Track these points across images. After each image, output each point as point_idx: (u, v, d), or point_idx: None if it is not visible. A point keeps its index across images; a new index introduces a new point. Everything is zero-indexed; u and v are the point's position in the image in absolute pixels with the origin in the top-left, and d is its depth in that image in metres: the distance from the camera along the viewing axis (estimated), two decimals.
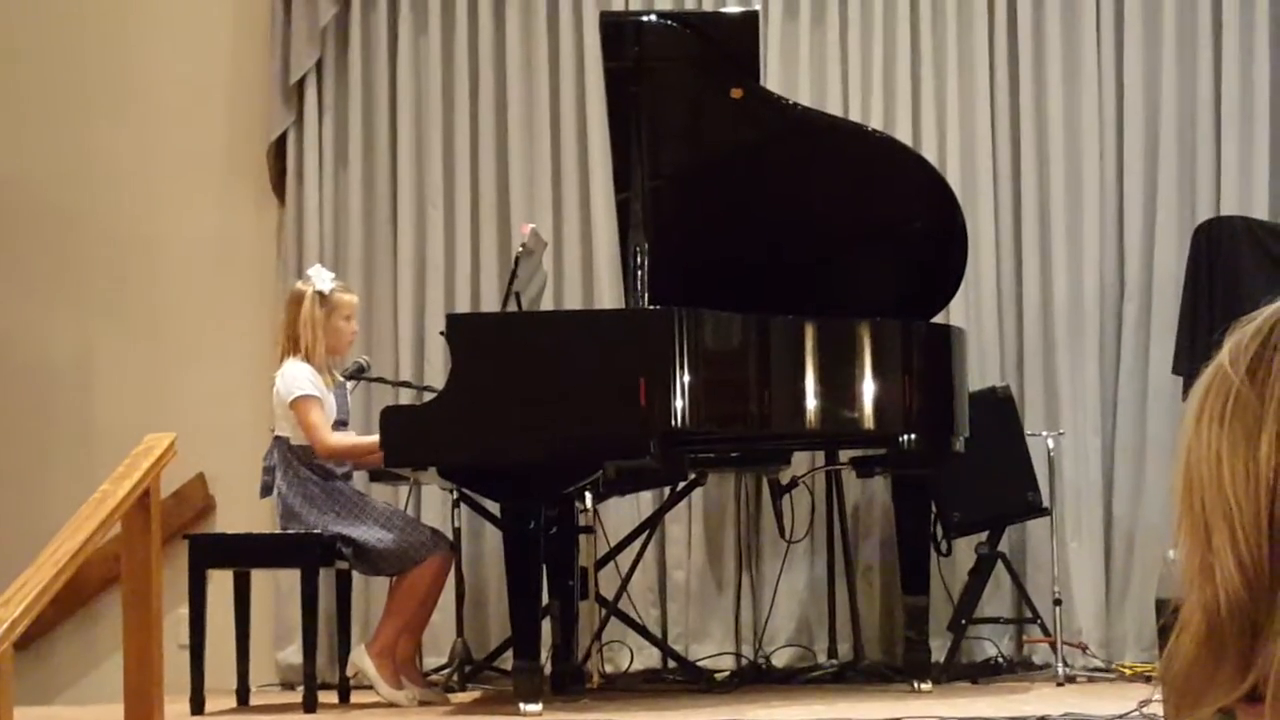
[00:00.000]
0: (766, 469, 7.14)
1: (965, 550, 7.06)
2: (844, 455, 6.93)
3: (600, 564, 6.82)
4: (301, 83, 7.72)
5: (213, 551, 6.37)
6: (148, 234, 7.83)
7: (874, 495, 7.36)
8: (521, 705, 5.64)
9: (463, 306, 7.54)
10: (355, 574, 6.56)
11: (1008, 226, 7.55)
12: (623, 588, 7.04)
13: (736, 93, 6.42)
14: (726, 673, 7.06)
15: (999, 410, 6.92)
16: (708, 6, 7.52)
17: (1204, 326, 6.75)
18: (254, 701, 6.52)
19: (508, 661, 6.34)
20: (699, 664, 7.15)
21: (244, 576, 6.48)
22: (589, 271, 7.62)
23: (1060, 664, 6.74)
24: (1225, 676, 1.15)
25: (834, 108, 7.45)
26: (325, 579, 6.47)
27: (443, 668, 6.91)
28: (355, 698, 6.42)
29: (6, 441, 7.77)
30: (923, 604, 6.52)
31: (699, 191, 6.58)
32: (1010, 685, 6.69)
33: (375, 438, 6.00)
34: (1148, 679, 6.70)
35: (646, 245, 6.26)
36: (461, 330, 5.94)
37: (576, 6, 7.65)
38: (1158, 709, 1.19)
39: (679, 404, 5.71)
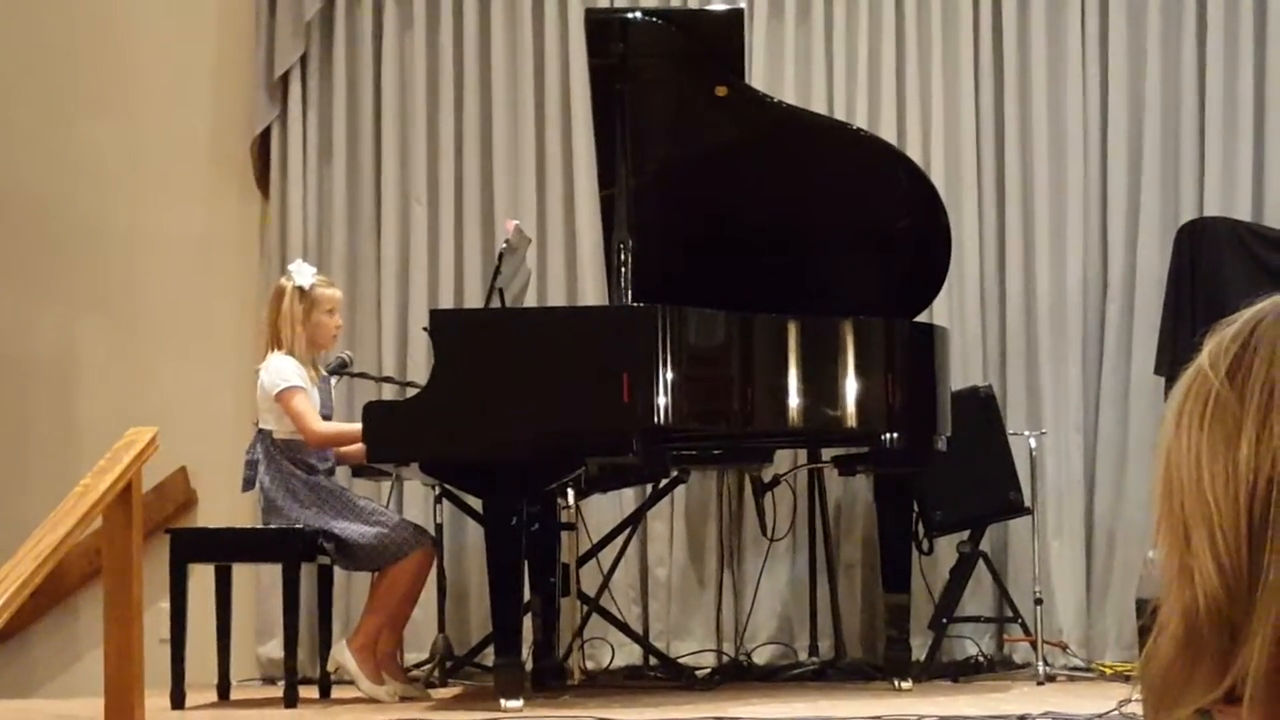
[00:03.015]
0: (749, 467, 7.15)
1: (947, 549, 7.07)
2: (826, 453, 6.94)
3: (582, 561, 6.83)
4: (286, 77, 7.72)
5: (194, 546, 6.36)
6: (131, 228, 7.82)
7: (856, 493, 7.37)
8: (503, 701, 5.64)
9: (446, 302, 7.54)
10: (337, 569, 6.56)
11: (991, 226, 7.56)
12: (604, 584, 7.04)
13: (721, 90, 6.43)
14: (708, 670, 7.06)
15: (981, 409, 6.93)
16: (693, 4, 7.52)
17: (1186, 327, 6.76)
18: (235, 696, 6.51)
19: (489, 657, 6.34)
20: (680, 661, 7.16)
21: (225, 571, 6.48)
22: (573, 268, 7.62)
23: (1041, 663, 6.76)
24: (1203, 677, 1.16)
25: (819, 106, 7.45)
26: (307, 574, 6.46)
27: (424, 663, 6.91)
28: (336, 693, 6.41)
29: None
30: (904, 602, 6.53)
31: (683, 189, 6.58)
32: (991, 684, 6.70)
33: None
34: (1127, 678, 6.72)
35: (630, 242, 6.26)
36: (445, 326, 5.94)
37: (562, 3, 7.65)
38: (1137, 709, 1.19)
39: (662, 401, 5.71)
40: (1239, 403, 1.17)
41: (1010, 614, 6.97)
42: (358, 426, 6.21)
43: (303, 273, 6.45)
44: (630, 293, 6.19)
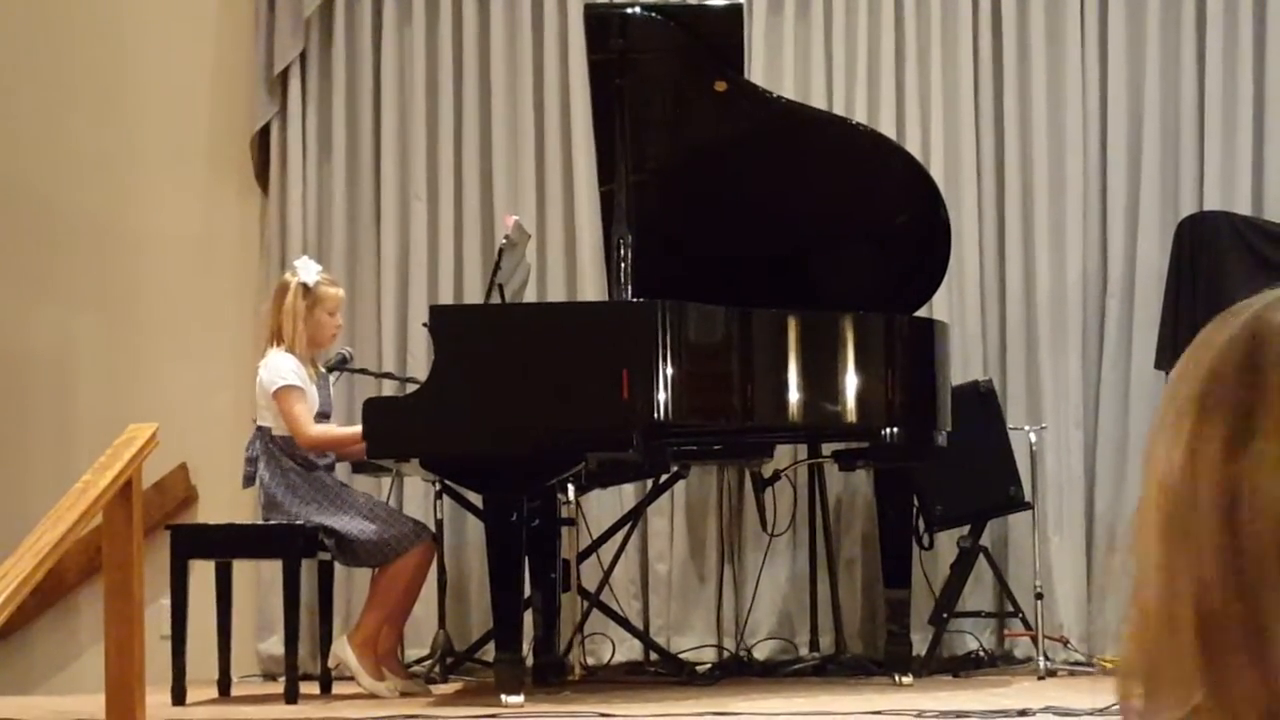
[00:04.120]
0: (749, 462, 7.14)
1: (947, 544, 7.07)
2: (826, 448, 6.94)
3: (582, 556, 6.83)
4: (285, 74, 7.72)
5: (194, 542, 6.36)
6: (130, 224, 7.82)
7: (856, 488, 7.37)
8: (503, 697, 5.65)
9: (446, 298, 7.54)
10: (337, 565, 6.56)
11: (991, 220, 7.56)
12: (605, 580, 7.04)
13: (720, 86, 6.43)
14: (708, 665, 7.07)
15: (981, 404, 6.93)
16: None
17: (1186, 321, 6.77)
18: (235, 692, 6.51)
19: (489, 653, 6.34)
20: (681, 656, 7.16)
21: (226, 567, 6.48)
22: (572, 264, 7.62)
23: (1041, 658, 6.76)
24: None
25: (818, 101, 7.45)
26: (307, 570, 6.47)
27: (425, 659, 6.91)
28: (337, 689, 6.42)
29: None
30: (904, 597, 6.53)
31: (683, 184, 6.58)
32: (991, 679, 6.71)
33: (357, 429, 5.99)
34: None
35: (630, 238, 6.26)
36: (445, 322, 5.94)
37: None
38: (1138, 703, 1.18)
39: (662, 396, 5.71)
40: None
41: (1011, 609, 6.97)
42: (350, 430, 6.22)
43: (308, 269, 6.44)
44: (630, 288, 6.19)
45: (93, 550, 6.62)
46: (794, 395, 6.03)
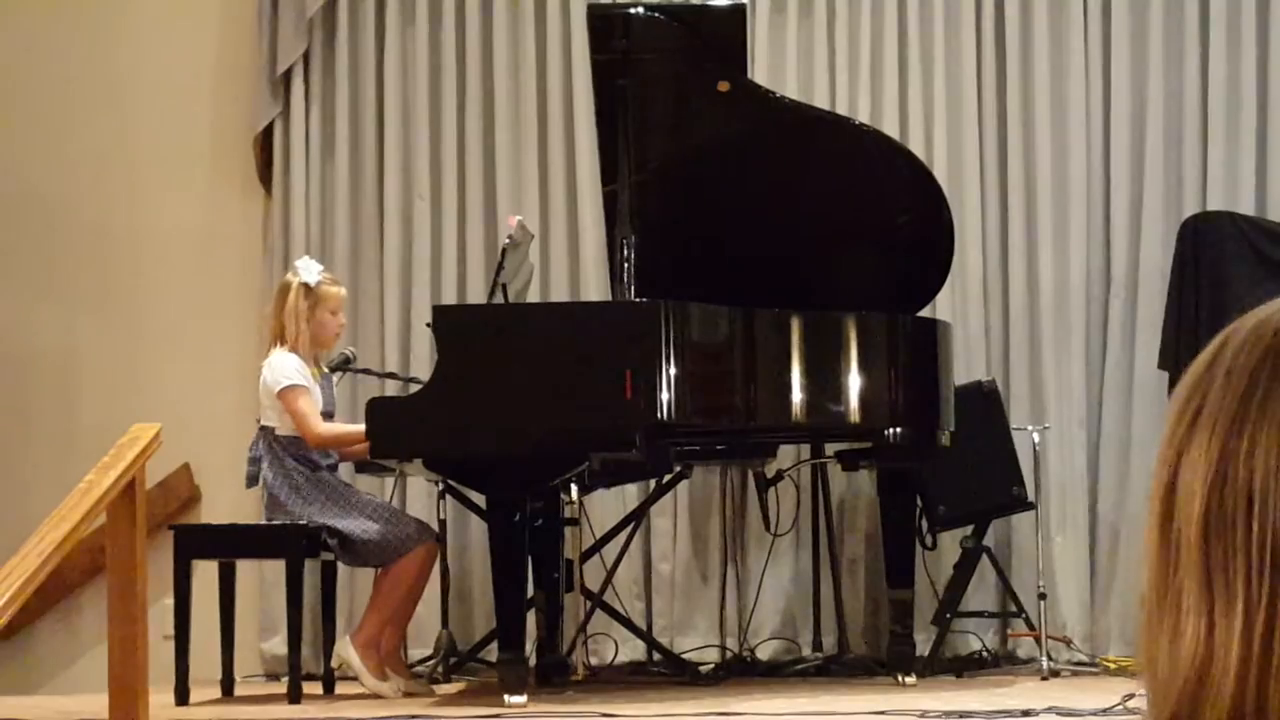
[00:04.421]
0: (752, 462, 7.14)
1: (950, 544, 7.07)
2: (830, 448, 6.94)
3: (585, 556, 6.82)
4: (288, 73, 7.72)
5: (198, 542, 6.37)
6: (133, 224, 7.82)
7: (859, 489, 7.37)
8: (506, 697, 5.65)
9: (449, 298, 7.54)
10: (340, 565, 6.56)
11: (994, 220, 7.56)
12: (608, 580, 7.04)
13: (723, 86, 6.43)
14: (711, 665, 7.07)
15: (984, 404, 6.92)
16: None
17: (1189, 321, 6.77)
18: (238, 692, 6.52)
19: (493, 653, 6.34)
20: (684, 657, 7.16)
21: (229, 567, 6.48)
22: (575, 264, 7.62)
23: (1044, 658, 6.76)
24: None
25: (821, 101, 7.45)
26: (310, 570, 6.47)
27: (428, 659, 6.91)
28: (340, 689, 6.42)
29: None
30: (907, 597, 6.53)
31: (686, 184, 6.58)
32: (994, 679, 6.71)
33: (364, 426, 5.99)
34: (1132, 673, 6.72)
35: (633, 238, 6.26)
36: (448, 322, 5.94)
37: None
38: (1142, 703, 1.19)
39: (665, 396, 5.71)
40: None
41: (1014, 609, 6.97)
42: (358, 428, 6.21)
43: (309, 269, 6.45)
44: (633, 288, 6.19)
45: (96, 550, 6.61)
46: (797, 395, 6.03)
